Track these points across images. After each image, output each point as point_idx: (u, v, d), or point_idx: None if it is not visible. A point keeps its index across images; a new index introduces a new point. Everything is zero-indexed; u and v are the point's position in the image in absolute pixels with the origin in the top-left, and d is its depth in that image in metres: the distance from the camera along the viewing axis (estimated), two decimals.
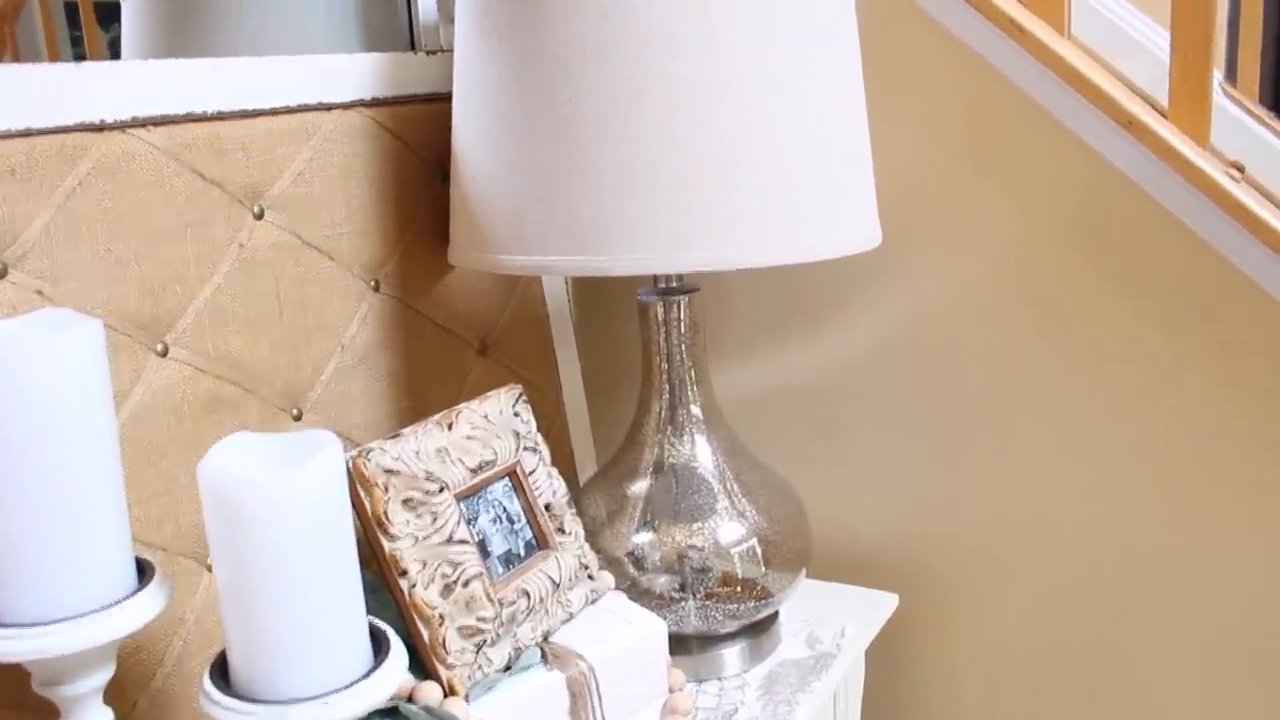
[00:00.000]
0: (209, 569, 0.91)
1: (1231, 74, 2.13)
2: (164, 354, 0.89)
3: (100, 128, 0.85)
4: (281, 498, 0.64)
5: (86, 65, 0.84)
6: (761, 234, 0.91)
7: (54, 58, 1.00)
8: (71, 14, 1.02)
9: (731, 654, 1.09)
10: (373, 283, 1.08)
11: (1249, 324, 1.11)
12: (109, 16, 1.06)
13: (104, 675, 0.71)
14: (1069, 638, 1.27)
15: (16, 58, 1.00)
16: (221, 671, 0.69)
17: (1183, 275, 1.13)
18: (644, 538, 1.07)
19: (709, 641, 1.09)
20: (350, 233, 1.05)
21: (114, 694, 0.81)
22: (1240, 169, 1.12)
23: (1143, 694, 1.24)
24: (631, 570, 1.06)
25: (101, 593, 0.68)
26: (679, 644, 1.07)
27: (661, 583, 1.06)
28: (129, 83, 0.87)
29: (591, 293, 1.47)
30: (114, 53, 1.07)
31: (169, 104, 0.89)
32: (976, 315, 1.24)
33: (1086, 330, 1.19)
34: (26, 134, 0.80)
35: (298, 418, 1.00)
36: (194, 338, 0.91)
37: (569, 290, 1.41)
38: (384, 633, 0.73)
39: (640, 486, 1.09)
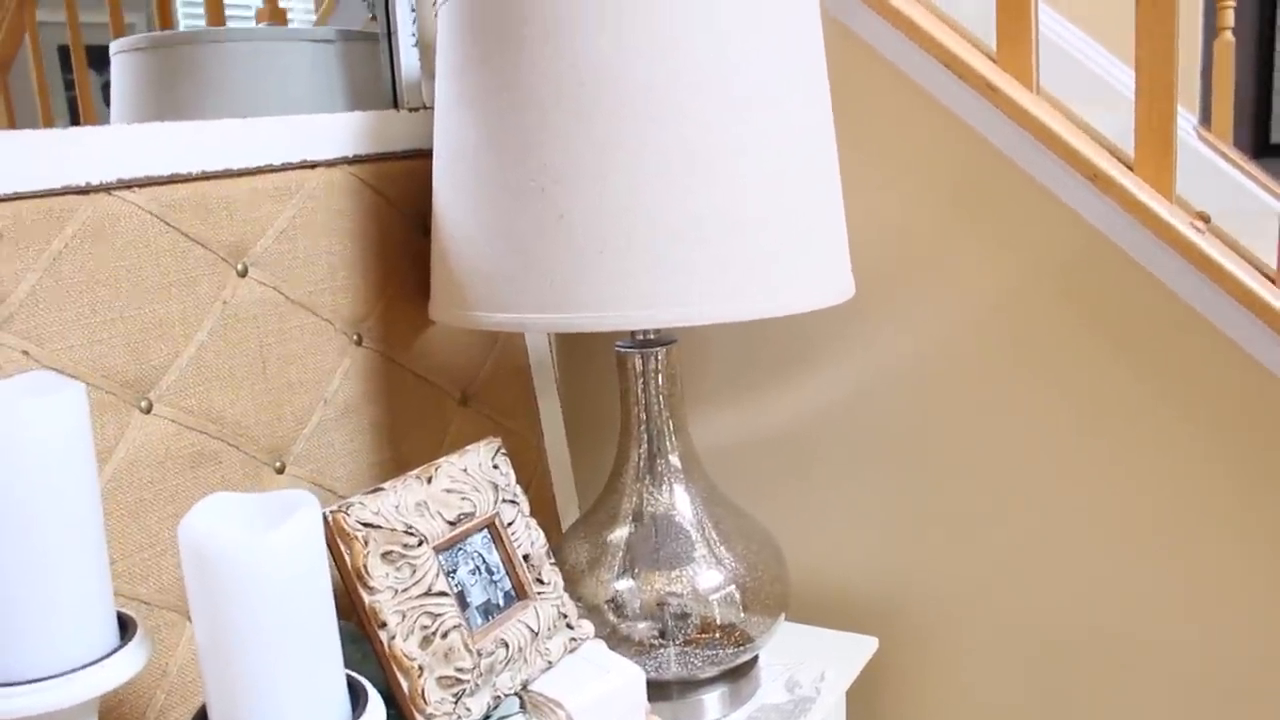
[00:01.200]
0: (191, 622, 0.92)
1: (1206, 118, 2.17)
2: (148, 410, 0.91)
3: (86, 190, 0.87)
4: (259, 558, 0.65)
5: (73, 131, 0.87)
6: (730, 291, 0.93)
7: (46, 105, 1.02)
8: (65, 59, 1.04)
9: (711, 699, 1.10)
10: (355, 337, 1.10)
11: (1216, 370, 1.13)
12: (101, 60, 1.08)
13: None
14: (1046, 680, 1.28)
15: (9, 106, 1.02)
16: None
17: (1152, 324, 1.15)
18: (624, 585, 1.08)
19: (689, 687, 1.10)
20: (333, 288, 1.07)
21: None
22: (1206, 219, 1.14)
23: None
24: (612, 617, 1.08)
25: (83, 650, 0.69)
26: (659, 689, 1.08)
27: (641, 629, 1.07)
28: (114, 146, 0.89)
29: (573, 343, 1.49)
30: (106, 97, 1.09)
31: (154, 166, 0.92)
32: (953, 365, 1.26)
33: (1060, 379, 1.21)
34: (14, 198, 0.82)
35: (281, 471, 1.02)
36: (178, 394, 0.93)
37: (551, 341, 1.43)
38: (362, 685, 0.75)
39: (620, 534, 1.10)
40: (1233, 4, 2.30)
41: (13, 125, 0.95)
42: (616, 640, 1.06)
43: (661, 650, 1.07)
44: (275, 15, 1.20)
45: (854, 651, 1.25)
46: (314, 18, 1.26)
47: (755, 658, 1.17)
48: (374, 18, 1.20)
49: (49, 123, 1.00)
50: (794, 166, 0.97)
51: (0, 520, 0.65)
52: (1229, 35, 2.21)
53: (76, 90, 1.05)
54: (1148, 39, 1.10)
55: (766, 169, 0.95)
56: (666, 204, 0.92)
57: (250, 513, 0.68)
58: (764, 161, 0.95)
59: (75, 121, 1.02)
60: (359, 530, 0.84)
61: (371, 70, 1.20)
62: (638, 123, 0.91)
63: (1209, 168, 1.82)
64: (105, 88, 1.09)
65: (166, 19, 1.12)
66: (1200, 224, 1.12)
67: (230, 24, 1.18)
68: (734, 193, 0.93)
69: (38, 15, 1.01)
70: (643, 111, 0.91)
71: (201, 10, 1.14)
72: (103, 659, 0.69)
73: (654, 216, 0.92)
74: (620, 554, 1.09)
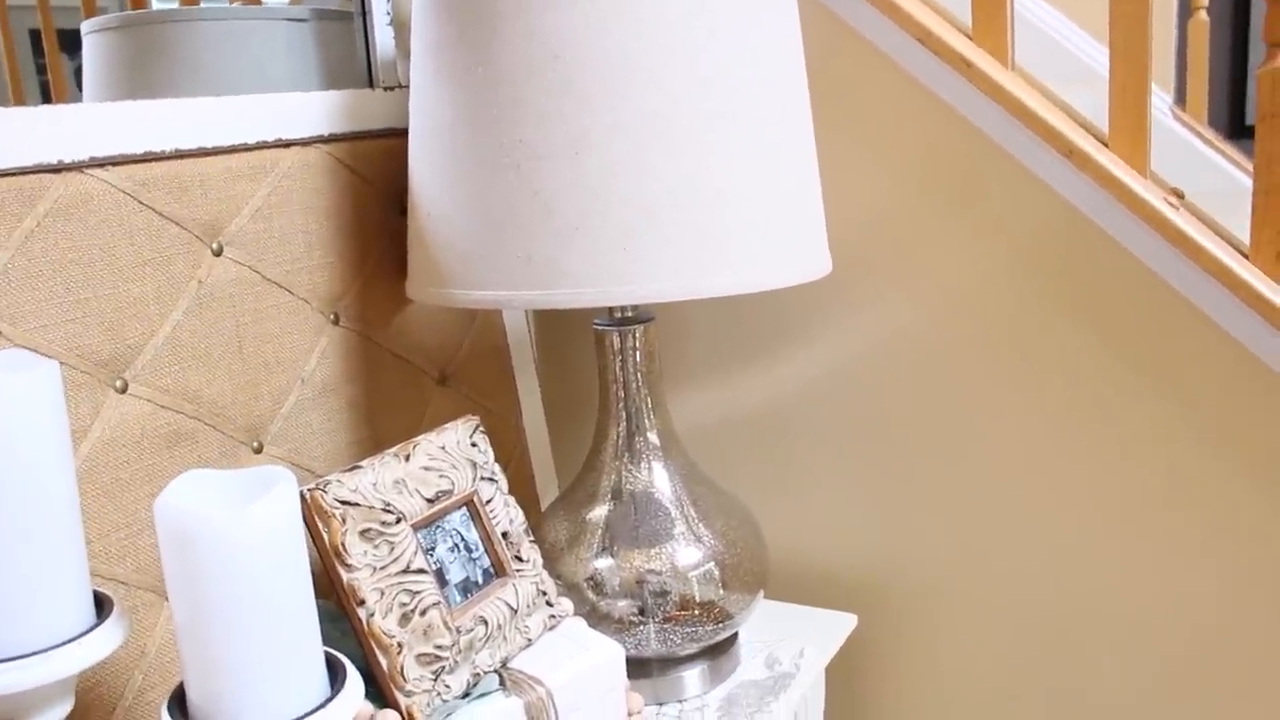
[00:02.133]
0: (169, 601, 0.92)
1: (1181, 98, 2.17)
2: (123, 390, 0.90)
3: (58, 168, 0.86)
4: (236, 534, 0.65)
5: (44, 109, 0.86)
6: (704, 268, 0.94)
7: (17, 88, 1.01)
8: (36, 42, 1.03)
9: (691, 676, 1.11)
10: (332, 316, 1.09)
11: (1192, 346, 1.13)
12: (73, 44, 1.07)
13: (62, 710, 0.71)
14: (1024, 657, 1.29)
15: None
16: (180, 704, 0.70)
17: (1128, 300, 1.15)
18: (603, 563, 1.08)
19: (669, 664, 1.11)
20: (309, 267, 1.07)
21: None
22: (1180, 195, 1.15)
23: (1096, 713, 1.26)
24: (591, 595, 1.08)
25: (59, 628, 0.69)
26: (639, 667, 1.09)
27: (621, 607, 1.08)
28: (87, 124, 0.88)
29: (551, 322, 1.49)
30: (79, 80, 1.08)
31: (127, 144, 0.91)
32: (931, 341, 1.26)
33: (1038, 355, 1.21)
34: None
35: (258, 450, 1.01)
36: (153, 374, 0.93)
37: (529, 319, 1.43)
38: (341, 662, 0.75)
39: (599, 512, 1.11)
40: None
41: None
42: (596, 618, 1.07)
43: (641, 627, 1.07)
44: None
45: (833, 629, 1.26)
46: None
47: (735, 635, 1.17)
48: None
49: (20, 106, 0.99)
50: (769, 141, 0.97)
51: None
52: (1203, 15, 2.22)
53: (49, 74, 1.05)
54: (1122, 12, 1.10)
55: (741, 144, 0.95)
56: (641, 180, 0.92)
57: (227, 489, 0.68)
58: (738, 136, 0.95)
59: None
60: (336, 508, 0.84)
61: (346, 49, 1.20)
62: (610, 98, 0.91)
63: (1184, 147, 1.83)
64: (78, 72, 1.08)
65: None
66: (1174, 200, 1.12)
67: (203, 3, 1.17)
68: (708, 168, 0.93)
69: None
70: (615, 87, 0.91)
71: None
72: (79, 637, 0.69)
73: (628, 193, 0.92)
74: (599, 532, 1.09)
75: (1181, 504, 1.17)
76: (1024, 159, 1.16)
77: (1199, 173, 1.76)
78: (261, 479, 0.68)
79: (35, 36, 1.03)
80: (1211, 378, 1.13)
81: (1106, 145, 1.14)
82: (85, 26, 1.09)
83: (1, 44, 1.01)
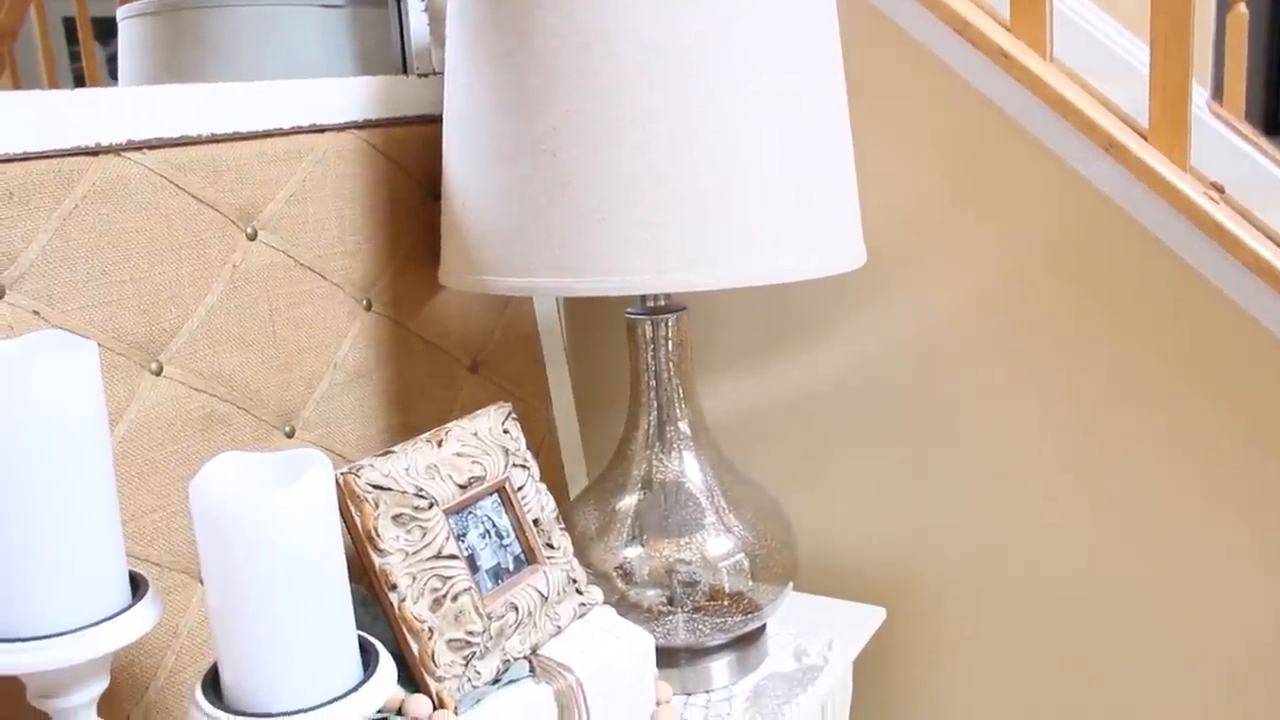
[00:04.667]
0: (202, 583, 0.92)
1: (1219, 92, 2.15)
2: (158, 372, 0.91)
3: (96, 151, 0.87)
4: (271, 517, 0.65)
5: (83, 91, 0.86)
6: (737, 257, 0.93)
7: (51, 75, 1.02)
8: (70, 30, 1.04)
9: (719, 666, 1.11)
10: (364, 302, 1.10)
11: (1230, 342, 1.12)
12: (107, 32, 1.07)
13: (98, 687, 0.72)
14: (1053, 652, 1.28)
15: (15, 76, 1.02)
16: (213, 684, 0.70)
17: (1165, 295, 1.14)
18: (633, 552, 1.08)
19: (697, 654, 1.10)
20: (342, 253, 1.07)
21: (108, 706, 0.83)
22: (1220, 189, 1.13)
23: (1124, 710, 1.26)
24: (620, 584, 1.08)
25: (96, 607, 0.69)
26: (667, 657, 1.08)
27: (650, 596, 1.07)
28: (124, 108, 0.88)
29: (582, 310, 1.49)
30: (112, 69, 1.08)
31: (164, 128, 0.91)
32: (964, 334, 1.25)
33: (1072, 350, 1.20)
34: (24, 158, 0.82)
35: (290, 435, 1.02)
36: (188, 356, 0.93)
37: (560, 308, 1.43)
38: (373, 646, 0.75)
39: (629, 501, 1.10)
40: None
41: None
42: (625, 607, 1.06)
43: (670, 617, 1.07)
44: None
45: (862, 621, 1.25)
46: None
47: (763, 626, 1.17)
48: None
49: None
50: (805, 131, 0.96)
51: (13, 477, 0.65)
52: (1243, 8, 2.19)
53: (83, 61, 1.05)
54: (1163, 8, 1.09)
55: (777, 133, 0.94)
56: (675, 169, 0.91)
57: (261, 472, 0.68)
58: (774, 126, 0.94)
59: None
60: (369, 492, 0.84)
61: (381, 36, 1.20)
62: (645, 87, 0.90)
63: (1221, 141, 1.81)
64: (111, 60, 1.08)
65: None
66: (1214, 194, 1.11)
67: None
68: (744, 158, 0.93)
69: None
70: (650, 75, 0.90)
71: None
72: (115, 615, 0.69)
73: (662, 182, 0.91)
74: (629, 521, 1.09)
75: (1218, 498, 1.16)
76: (1061, 151, 1.15)
77: (1236, 167, 1.74)
78: (296, 462, 0.69)
79: (69, 24, 1.04)
80: (1249, 371, 1.12)
81: (1146, 139, 1.12)
82: (121, 12, 1.10)
83: (36, 30, 1.02)
